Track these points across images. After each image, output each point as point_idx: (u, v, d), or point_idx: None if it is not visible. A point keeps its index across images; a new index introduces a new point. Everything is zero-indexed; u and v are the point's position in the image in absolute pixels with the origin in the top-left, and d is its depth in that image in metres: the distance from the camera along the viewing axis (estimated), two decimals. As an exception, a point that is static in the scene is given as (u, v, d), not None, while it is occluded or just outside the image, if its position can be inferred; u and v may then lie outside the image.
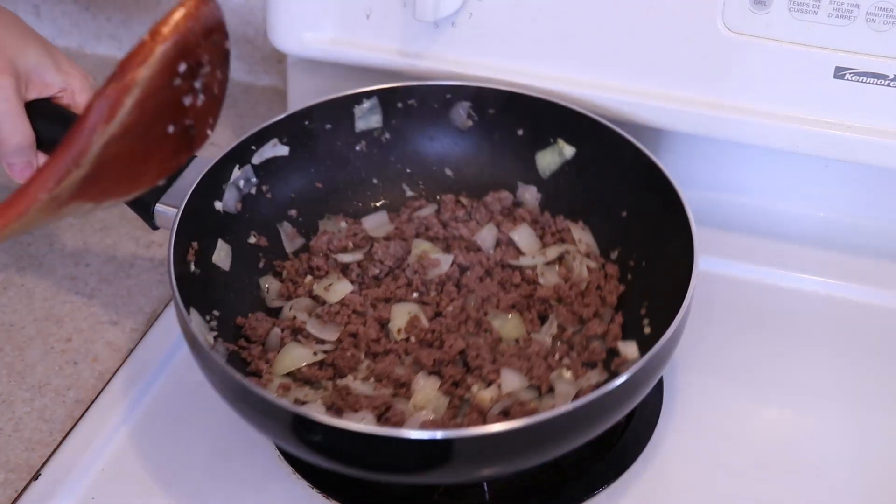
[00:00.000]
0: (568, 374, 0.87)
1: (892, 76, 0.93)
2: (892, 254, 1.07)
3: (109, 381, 0.96)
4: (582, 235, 0.99)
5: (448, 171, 1.06)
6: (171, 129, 0.72)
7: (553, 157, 1.02)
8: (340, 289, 0.96)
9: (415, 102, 1.03)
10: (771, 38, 0.95)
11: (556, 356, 0.89)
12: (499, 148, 1.04)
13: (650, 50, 0.99)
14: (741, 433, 0.92)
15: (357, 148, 1.04)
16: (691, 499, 0.87)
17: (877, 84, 0.94)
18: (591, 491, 0.86)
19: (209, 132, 0.75)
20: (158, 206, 0.92)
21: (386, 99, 1.03)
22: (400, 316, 0.92)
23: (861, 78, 0.94)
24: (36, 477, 0.88)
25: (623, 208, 0.97)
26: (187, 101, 0.71)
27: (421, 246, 0.99)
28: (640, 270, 0.94)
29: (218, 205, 0.96)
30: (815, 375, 0.97)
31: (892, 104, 0.95)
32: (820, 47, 0.94)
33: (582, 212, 1.01)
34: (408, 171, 1.06)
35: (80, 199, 0.69)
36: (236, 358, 0.91)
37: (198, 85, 0.71)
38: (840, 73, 0.94)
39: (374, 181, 1.05)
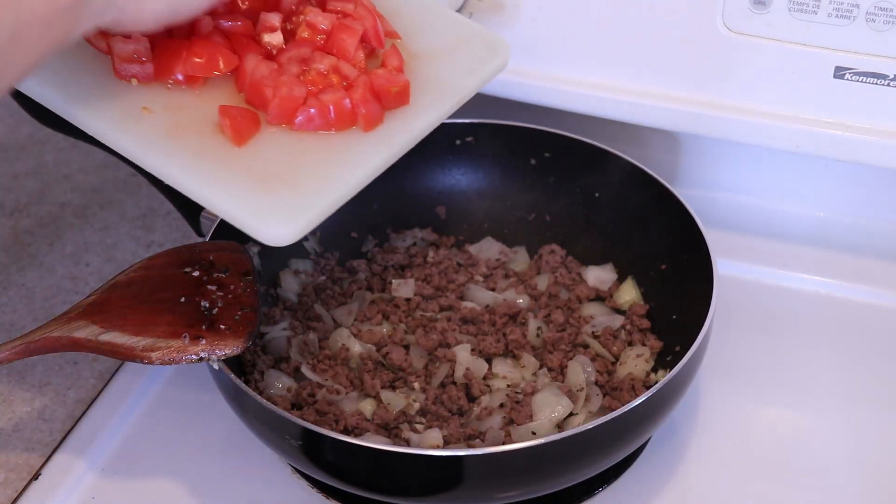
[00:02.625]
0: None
1: (892, 76, 0.93)
2: (892, 254, 1.07)
3: (109, 381, 0.96)
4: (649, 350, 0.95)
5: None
6: (182, 299, 0.84)
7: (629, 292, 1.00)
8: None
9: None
10: (771, 38, 0.95)
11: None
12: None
13: (650, 50, 0.99)
14: (740, 432, 0.92)
15: None
16: (691, 499, 0.87)
17: (877, 84, 0.94)
18: (591, 491, 0.86)
19: (242, 339, 0.82)
20: (204, 214, 0.95)
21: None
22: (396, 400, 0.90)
23: (861, 78, 0.94)
24: (36, 477, 0.88)
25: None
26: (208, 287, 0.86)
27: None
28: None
29: None
30: (814, 375, 0.97)
31: (892, 104, 0.94)
32: (820, 47, 0.94)
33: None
34: None
35: (87, 319, 0.82)
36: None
37: (215, 276, 0.87)
38: (840, 73, 0.94)
39: None
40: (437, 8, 0.87)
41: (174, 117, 0.75)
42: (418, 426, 0.87)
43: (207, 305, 0.83)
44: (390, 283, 1.00)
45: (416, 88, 0.80)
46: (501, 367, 0.92)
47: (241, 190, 0.73)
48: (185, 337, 0.80)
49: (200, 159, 0.74)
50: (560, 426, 0.86)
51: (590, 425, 0.75)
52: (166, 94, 0.76)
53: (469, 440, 0.85)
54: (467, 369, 0.90)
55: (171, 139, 0.74)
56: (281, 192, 0.73)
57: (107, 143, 0.75)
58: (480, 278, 1.02)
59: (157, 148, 0.74)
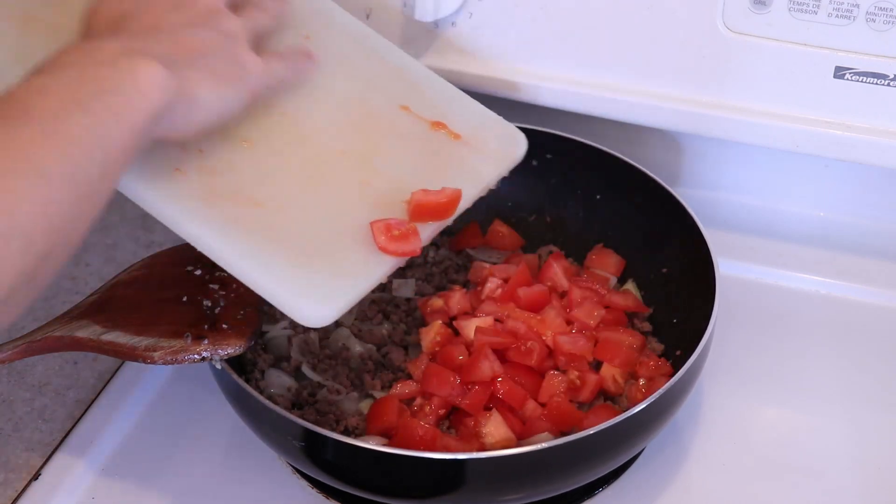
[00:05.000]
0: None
1: (892, 76, 0.93)
2: (892, 254, 1.07)
3: (109, 381, 0.96)
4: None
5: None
6: (184, 298, 0.84)
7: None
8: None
9: None
10: (771, 38, 0.95)
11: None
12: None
13: (650, 50, 0.99)
14: (740, 432, 0.92)
15: None
16: (691, 499, 0.87)
17: (877, 84, 0.94)
18: (591, 491, 0.86)
19: (245, 338, 0.81)
20: None
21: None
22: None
23: (861, 78, 0.94)
24: (36, 477, 0.88)
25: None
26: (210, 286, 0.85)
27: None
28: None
29: None
30: (814, 374, 0.97)
31: (892, 104, 0.95)
32: (820, 47, 0.94)
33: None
34: None
35: (89, 318, 0.82)
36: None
37: (217, 275, 0.85)
38: (840, 72, 0.94)
39: None
40: (465, 97, 0.91)
41: (209, 182, 0.76)
42: (419, 427, 0.87)
43: (210, 304, 0.83)
44: (390, 282, 1.00)
45: (453, 174, 0.84)
46: None
47: (280, 266, 0.74)
48: (187, 336, 0.80)
49: (237, 228, 0.75)
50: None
51: (591, 430, 0.75)
52: (199, 157, 0.77)
53: None
54: None
55: (206, 205, 0.75)
56: (321, 271, 0.75)
57: (137, 202, 0.75)
58: None
59: (191, 212, 0.74)
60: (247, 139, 0.79)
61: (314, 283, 0.74)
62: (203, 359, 0.80)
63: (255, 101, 0.76)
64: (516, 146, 0.90)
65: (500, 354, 0.88)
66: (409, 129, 0.86)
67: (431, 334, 0.92)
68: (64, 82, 0.62)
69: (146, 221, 1.13)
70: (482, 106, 0.91)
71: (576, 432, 0.76)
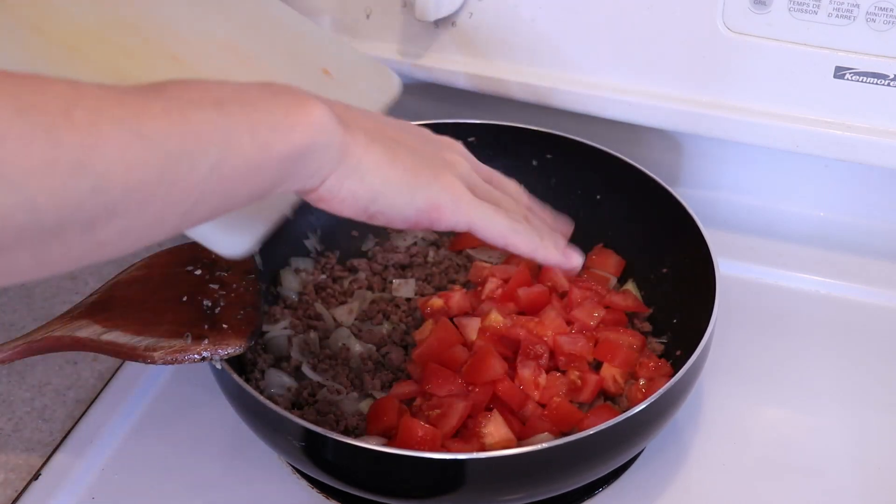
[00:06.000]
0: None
1: (892, 76, 0.93)
2: (892, 254, 1.07)
3: (109, 381, 0.96)
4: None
5: None
6: (184, 298, 0.84)
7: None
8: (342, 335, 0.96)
9: None
10: (771, 38, 0.95)
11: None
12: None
13: (650, 50, 0.99)
14: (740, 432, 0.92)
15: None
16: (691, 499, 0.87)
17: (877, 84, 0.94)
18: (591, 491, 0.86)
19: (245, 338, 0.81)
20: None
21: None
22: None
23: (861, 78, 0.94)
24: (36, 477, 0.88)
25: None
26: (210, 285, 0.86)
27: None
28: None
29: None
30: (814, 375, 0.97)
31: (892, 104, 0.95)
32: (820, 47, 0.94)
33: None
34: None
35: (89, 318, 0.82)
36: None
37: (217, 275, 0.87)
38: (840, 73, 0.94)
39: None
40: (338, 40, 0.92)
41: None
42: (419, 427, 0.87)
43: (209, 304, 0.83)
44: (391, 282, 1.00)
45: None
46: None
47: None
48: (187, 336, 0.80)
49: None
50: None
51: (591, 431, 0.75)
52: None
53: None
54: None
55: None
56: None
57: None
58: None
59: None
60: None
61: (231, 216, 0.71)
62: (203, 359, 0.80)
63: (432, 221, 0.66)
64: (391, 88, 0.90)
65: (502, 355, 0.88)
66: (300, 76, 0.85)
67: (425, 334, 0.92)
68: (223, 89, 0.56)
69: (146, 221, 1.13)
70: (355, 49, 0.92)
71: (576, 432, 0.76)
